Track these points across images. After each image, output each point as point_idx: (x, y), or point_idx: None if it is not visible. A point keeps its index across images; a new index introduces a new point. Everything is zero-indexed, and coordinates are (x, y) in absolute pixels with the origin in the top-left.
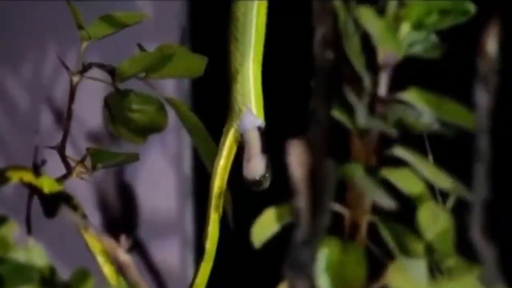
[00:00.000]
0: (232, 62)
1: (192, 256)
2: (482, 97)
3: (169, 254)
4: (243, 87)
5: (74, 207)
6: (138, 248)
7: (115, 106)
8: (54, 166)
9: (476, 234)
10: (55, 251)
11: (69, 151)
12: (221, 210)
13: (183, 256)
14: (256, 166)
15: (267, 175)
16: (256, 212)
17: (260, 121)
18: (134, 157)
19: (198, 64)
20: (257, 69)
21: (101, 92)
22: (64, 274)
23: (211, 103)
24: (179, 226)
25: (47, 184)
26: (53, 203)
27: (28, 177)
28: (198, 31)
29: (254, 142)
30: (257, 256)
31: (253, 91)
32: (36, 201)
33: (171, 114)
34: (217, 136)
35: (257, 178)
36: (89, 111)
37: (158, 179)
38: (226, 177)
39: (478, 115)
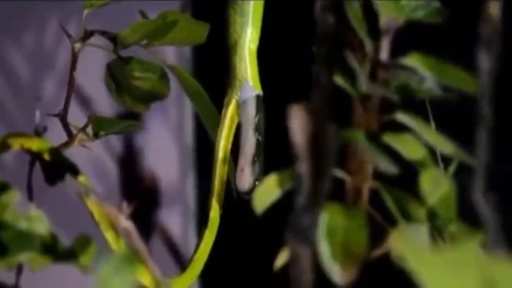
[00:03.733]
0: (231, 34)
1: (194, 225)
2: (485, 61)
3: (171, 223)
4: (241, 59)
5: (76, 174)
6: (140, 216)
7: (117, 73)
8: (56, 134)
9: (479, 200)
10: (56, 219)
11: (71, 119)
12: (224, 179)
13: (184, 225)
14: (248, 178)
15: (257, 182)
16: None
17: (258, 91)
18: (136, 125)
19: (200, 31)
20: (254, 41)
21: (104, 60)
22: (65, 241)
23: (213, 70)
24: (181, 195)
25: (49, 151)
26: (55, 170)
27: (29, 143)
28: None
29: (249, 149)
30: (259, 222)
31: (249, 64)
32: (37, 168)
33: (173, 84)
34: (219, 104)
35: (248, 189)
36: (92, 79)
37: (160, 149)
38: (229, 147)
39: (480, 79)
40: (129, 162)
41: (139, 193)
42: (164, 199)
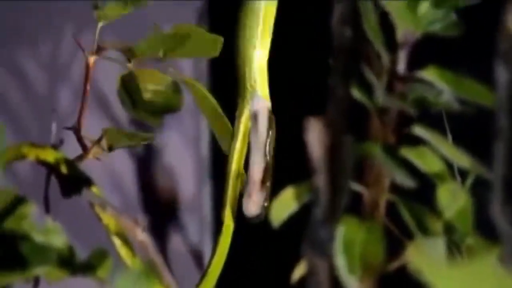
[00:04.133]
0: (241, 43)
1: (210, 236)
2: (502, 74)
3: (188, 234)
4: (250, 70)
5: (91, 187)
6: (156, 228)
7: (130, 86)
8: (72, 146)
9: (497, 213)
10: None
11: (87, 131)
12: (238, 192)
13: (201, 236)
14: (256, 204)
15: (266, 204)
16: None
17: (268, 103)
18: (150, 138)
19: (214, 44)
20: (265, 51)
21: (119, 72)
22: (81, 255)
23: (229, 83)
24: (197, 207)
25: (64, 164)
26: (71, 183)
27: (45, 155)
28: (215, 11)
29: (257, 174)
30: (276, 235)
31: (259, 74)
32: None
33: (189, 96)
34: (233, 117)
35: (256, 215)
36: (108, 91)
37: (176, 161)
38: (242, 160)
39: (498, 93)
40: (145, 174)
41: (156, 205)
42: (180, 210)
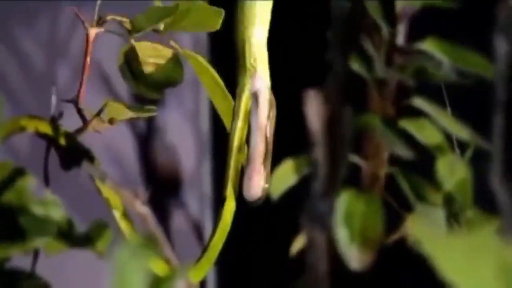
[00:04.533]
0: (240, 25)
1: (210, 211)
2: (502, 46)
3: (187, 210)
4: (250, 47)
5: (91, 160)
6: (156, 204)
7: (131, 59)
8: (73, 120)
9: (496, 185)
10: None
11: (87, 105)
12: (239, 168)
13: (201, 211)
14: (257, 186)
15: (266, 186)
16: (274, 164)
17: (267, 82)
18: (152, 111)
19: (215, 17)
20: (264, 28)
21: (119, 46)
22: (81, 228)
23: (229, 57)
24: (197, 182)
25: (64, 136)
26: (70, 156)
27: (44, 127)
28: None
29: (257, 157)
30: (275, 208)
31: (258, 52)
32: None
33: (189, 70)
34: (234, 91)
35: (258, 197)
36: (108, 65)
37: (176, 136)
38: (244, 137)
39: (497, 64)
40: (145, 148)
41: (155, 179)
42: (180, 185)
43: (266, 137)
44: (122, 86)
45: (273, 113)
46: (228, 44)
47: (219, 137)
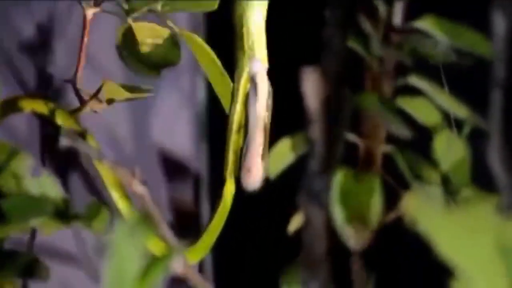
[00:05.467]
0: (237, 8)
1: (206, 194)
2: (500, 24)
3: (183, 192)
4: (248, 31)
5: (88, 140)
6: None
7: (128, 40)
8: (69, 101)
9: (493, 163)
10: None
11: (85, 87)
12: (238, 151)
13: (196, 194)
14: (255, 177)
15: (264, 175)
16: (271, 143)
17: (265, 65)
18: (149, 91)
19: None
20: (261, 14)
21: (116, 27)
22: (78, 207)
23: (225, 38)
24: (193, 164)
25: (61, 116)
26: (67, 135)
27: (42, 107)
28: None
29: (255, 148)
30: (272, 186)
31: (256, 36)
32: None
33: (186, 52)
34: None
35: (257, 187)
36: (105, 46)
37: (172, 117)
38: (242, 120)
39: (495, 42)
40: (140, 130)
41: (151, 161)
42: (175, 167)
43: (264, 129)
44: (118, 67)
45: (270, 102)
46: (225, 25)
47: (216, 120)
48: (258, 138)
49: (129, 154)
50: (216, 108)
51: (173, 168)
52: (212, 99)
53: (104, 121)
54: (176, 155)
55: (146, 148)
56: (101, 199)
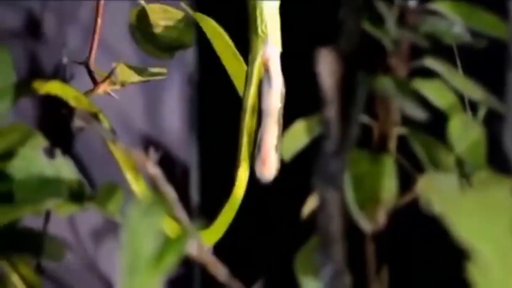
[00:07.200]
0: None
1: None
2: None
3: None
4: (262, 16)
5: (102, 121)
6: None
7: (142, 22)
8: (83, 83)
9: (509, 145)
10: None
11: (99, 69)
12: (252, 135)
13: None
14: (270, 169)
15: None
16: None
17: (279, 49)
18: (163, 73)
19: None
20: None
21: (129, 9)
22: (92, 189)
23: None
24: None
25: (75, 98)
26: (81, 117)
27: (56, 89)
28: None
29: (270, 140)
30: (287, 168)
31: (269, 19)
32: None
33: None
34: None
35: (271, 178)
36: (118, 28)
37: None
38: (256, 105)
39: (510, 23)
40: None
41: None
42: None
43: (278, 121)
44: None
45: (284, 92)
46: (239, 7)
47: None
48: (272, 129)
49: (138, 134)
50: (207, 93)
51: (163, 149)
52: (204, 83)
53: (117, 101)
54: (165, 141)
55: (136, 129)
56: (116, 181)
